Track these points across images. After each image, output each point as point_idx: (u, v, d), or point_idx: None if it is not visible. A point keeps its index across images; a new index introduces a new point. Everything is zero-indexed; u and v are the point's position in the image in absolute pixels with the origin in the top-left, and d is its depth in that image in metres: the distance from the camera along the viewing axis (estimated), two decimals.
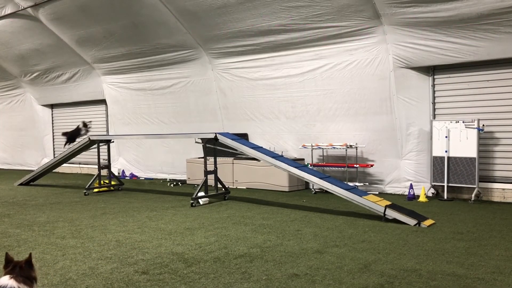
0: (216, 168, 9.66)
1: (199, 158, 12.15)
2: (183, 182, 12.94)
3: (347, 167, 10.36)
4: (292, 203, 9.18)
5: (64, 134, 12.07)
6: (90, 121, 11.86)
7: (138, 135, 13.51)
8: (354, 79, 10.24)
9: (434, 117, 9.70)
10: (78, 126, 11.74)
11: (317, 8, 9.56)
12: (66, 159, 12.43)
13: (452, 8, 8.31)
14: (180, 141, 13.28)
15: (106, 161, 11.82)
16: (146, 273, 4.77)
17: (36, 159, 18.17)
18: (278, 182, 10.96)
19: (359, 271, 4.69)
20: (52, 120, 18.27)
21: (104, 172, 11.66)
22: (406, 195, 9.59)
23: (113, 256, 5.41)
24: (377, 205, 7.28)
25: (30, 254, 3.10)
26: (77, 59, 14.77)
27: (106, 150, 11.73)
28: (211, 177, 9.58)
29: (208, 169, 9.42)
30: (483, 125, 8.91)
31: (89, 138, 11.48)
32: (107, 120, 16.08)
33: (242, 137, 10.44)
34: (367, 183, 10.33)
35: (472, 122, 8.89)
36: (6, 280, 2.93)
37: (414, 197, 9.37)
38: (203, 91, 12.85)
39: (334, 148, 10.48)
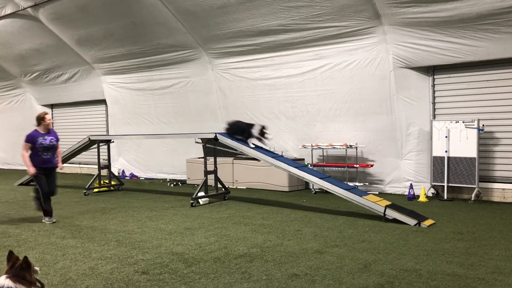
0: (216, 168, 9.66)
1: (199, 158, 12.14)
2: (183, 182, 12.93)
3: (347, 167, 10.35)
4: (292, 203, 9.18)
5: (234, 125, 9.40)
6: (266, 130, 8.86)
7: (138, 135, 13.51)
8: (354, 79, 10.23)
9: (434, 117, 9.69)
10: (253, 124, 9.07)
11: (317, 8, 9.56)
12: (66, 159, 12.43)
13: (452, 8, 8.30)
14: (180, 141, 13.28)
15: (106, 161, 11.82)
16: (146, 273, 4.77)
17: None
18: (278, 182, 10.96)
19: (359, 271, 4.69)
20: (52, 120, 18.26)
21: (104, 172, 11.66)
22: (406, 195, 9.59)
23: (113, 256, 5.41)
24: (377, 205, 7.28)
25: (25, 258, 3.11)
26: (77, 59, 14.77)
27: (106, 150, 11.74)
28: (211, 177, 9.58)
29: (208, 169, 9.42)
30: (483, 125, 8.91)
31: (89, 138, 11.48)
32: (107, 120, 16.08)
33: None
34: (367, 183, 10.32)
35: (472, 122, 8.89)
36: (3, 280, 2.94)
37: (414, 197, 9.37)
38: (203, 91, 12.85)
39: (334, 148, 10.47)
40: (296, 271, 4.72)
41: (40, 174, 7.42)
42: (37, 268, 3.36)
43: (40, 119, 7.58)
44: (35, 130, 7.59)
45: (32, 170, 7.30)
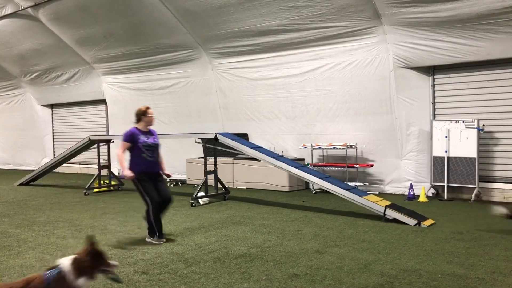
0: (216, 168, 9.66)
1: (199, 158, 12.15)
2: (183, 182, 12.93)
3: (347, 167, 10.35)
4: (292, 203, 9.18)
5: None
6: None
7: None
8: (354, 79, 10.23)
9: (434, 117, 9.69)
10: None
11: (317, 8, 9.56)
12: (66, 159, 12.43)
13: (452, 8, 8.31)
14: (180, 141, 13.27)
15: (106, 161, 11.82)
16: (146, 273, 4.77)
17: (36, 159, 18.16)
18: (278, 182, 10.96)
19: (359, 271, 4.69)
20: (52, 120, 18.27)
21: (104, 172, 11.66)
22: (406, 195, 9.59)
23: (113, 256, 5.40)
24: (377, 205, 7.28)
25: (90, 246, 3.00)
26: (77, 59, 14.77)
27: (106, 150, 11.74)
28: (211, 177, 9.58)
29: (208, 169, 9.42)
30: (483, 125, 8.91)
31: (89, 138, 11.48)
32: (107, 120, 16.08)
33: (242, 137, 10.43)
34: (367, 183, 10.32)
35: (472, 122, 8.89)
36: (66, 259, 2.98)
37: (414, 197, 9.36)
38: (203, 91, 12.85)
39: (334, 148, 10.47)
40: (296, 271, 4.72)
41: (144, 179, 6.09)
42: (114, 263, 3.11)
43: (141, 114, 6.20)
44: (134, 127, 6.23)
45: (128, 172, 5.98)
